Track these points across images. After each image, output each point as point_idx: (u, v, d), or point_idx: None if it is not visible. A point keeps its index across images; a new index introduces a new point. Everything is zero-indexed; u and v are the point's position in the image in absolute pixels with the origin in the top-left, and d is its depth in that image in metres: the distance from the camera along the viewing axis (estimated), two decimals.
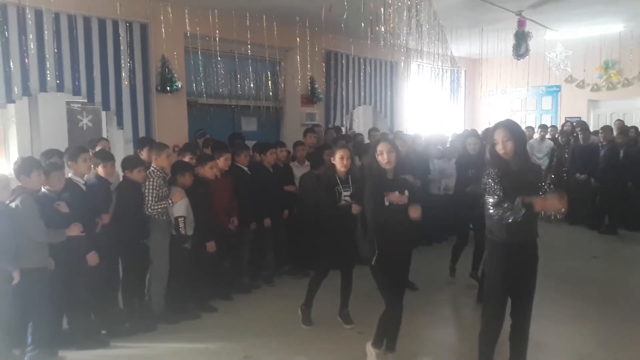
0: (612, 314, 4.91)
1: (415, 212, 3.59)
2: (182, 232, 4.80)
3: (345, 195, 4.51)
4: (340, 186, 4.51)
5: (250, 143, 6.36)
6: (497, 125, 3.37)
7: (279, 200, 5.94)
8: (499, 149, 3.28)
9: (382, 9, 5.85)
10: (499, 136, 3.28)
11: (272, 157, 5.93)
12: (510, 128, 3.30)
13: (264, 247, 5.98)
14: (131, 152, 5.84)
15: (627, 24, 8.39)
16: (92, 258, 4.21)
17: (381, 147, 3.75)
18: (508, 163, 3.28)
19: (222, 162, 5.35)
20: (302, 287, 4.87)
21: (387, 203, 3.63)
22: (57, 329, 4.27)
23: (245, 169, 5.72)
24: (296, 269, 6.14)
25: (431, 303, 5.34)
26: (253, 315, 4.98)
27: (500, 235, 3.29)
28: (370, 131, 8.34)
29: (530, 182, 3.28)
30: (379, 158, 3.73)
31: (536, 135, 9.71)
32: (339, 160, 4.48)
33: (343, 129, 8.93)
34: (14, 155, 5.78)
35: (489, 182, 3.28)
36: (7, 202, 3.82)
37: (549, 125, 10.41)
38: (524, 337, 3.42)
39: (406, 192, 3.70)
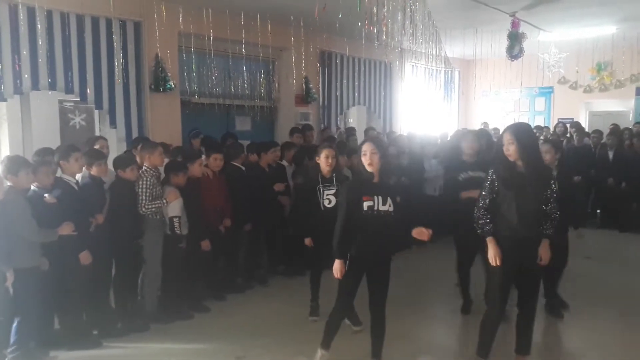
0: (605, 314, 4.93)
1: (421, 234, 3.53)
2: (178, 232, 4.78)
3: (328, 194, 4.57)
4: (321, 185, 4.59)
5: (244, 143, 6.34)
6: (506, 128, 3.63)
7: (275, 200, 5.92)
8: (505, 150, 3.50)
9: (375, 9, 5.84)
10: (505, 139, 3.51)
11: (271, 157, 5.93)
12: (515, 132, 3.49)
13: (258, 248, 5.96)
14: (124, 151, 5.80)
15: (620, 26, 8.44)
16: (85, 257, 4.18)
17: (365, 148, 3.55)
18: (515, 164, 3.49)
19: (212, 161, 5.33)
20: (296, 288, 4.86)
21: (365, 208, 3.47)
22: (49, 329, 4.24)
23: (243, 168, 5.70)
24: (290, 270, 6.12)
25: (426, 303, 5.35)
26: (247, 316, 4.96)
27: (502, 231, 3.49)
28: (367, 130, 8.34)
29: (536, 185, 3.45)
30: (362, 159, 3.55)
31: None
32: (324, 159, 4.57)
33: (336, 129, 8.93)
34: (6, 154, 5.73)
35: (487, 184, 3.55)
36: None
37: (542, 126, 10.49)
38: (530, 325, 3.64)
39: (389, 200, 3.51)
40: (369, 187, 3.53)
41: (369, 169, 3.54)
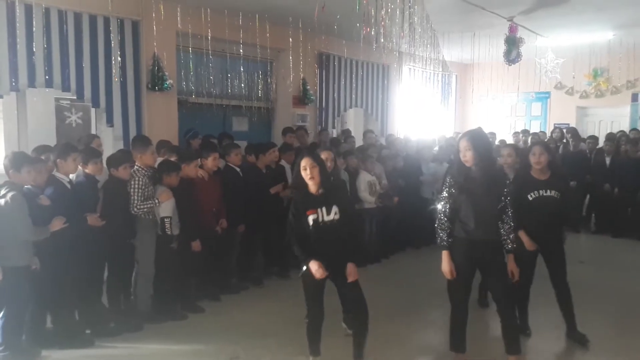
0: (599, 319, 4.94)
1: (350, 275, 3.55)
2: (168, 232, 4.76)
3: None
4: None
5: (241, 143, 6.33)
6: (463, 135, 3.70)
7: (271, 202, 5.91)
8: (462, 156, 3.58)
9: (374, 11, 5.86)
10: (462, 145, 3.58)
11: (269, 158, 5.93)
12: (473, 138, 3.57)
13: (253, 248, 5.95)
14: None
15: (617, 32, 8.48)
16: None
17: (304, 163, 3.57)
18: (470, 170, 3.56)
19: (211, 162, 5.32)
20: (291, 289, 4.83)
21: (310, 222, 3.52)
22: (41, 328, 4.21)
23: (238, 169, 5.69)
24: (285, 271, 6.11)
25: (422, 307, 5.34)
26: (241, 317, 4.95)
27: (459, 234, 3.61)
28: (365, 133, 8.36)
29: (491, 189, 3.54)
30: (303, 174, 3.58)
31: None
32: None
33: (333, 131, 8.94)
34: (0, 150, 5.71)
35: (444, 192, 3.65)
36: None
37: (537, 130, 10.54)
38: (510, 326, 3.67)
39: (335, 208, 3.56)
40: (312, 201, 3.58)
41: (310, 182, 3.59)
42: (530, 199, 4.14)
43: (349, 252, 3.62)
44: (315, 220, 3.53)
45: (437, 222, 3.70)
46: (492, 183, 3.56)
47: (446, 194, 3.66)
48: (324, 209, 3.56)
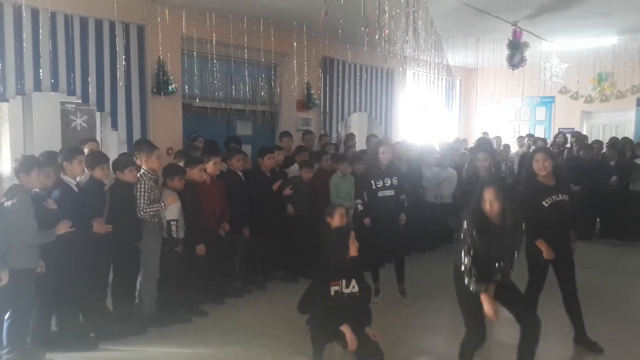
0: (604, 324, 4.90)
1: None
2: (175, 235, 4.78)
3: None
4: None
5: (245, 147, 6.34)
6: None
7: (275, 205, 5.93)
8: (488, 208, 3.35)
9: (378, 15, 5.86)
10: (488, 195, 3.34)
11: (268, 162, 5.93)
12: (499, 190, 3.37)
13: (257, 252, 5.96)
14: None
15: (621, 37, 8.47)
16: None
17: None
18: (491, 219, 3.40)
19: (212, 166, 5.33)
20: (294, 293, 4.81)
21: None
22: (46, 331, 4.22)
23: (240, 174, 5.69)
24: (288, 274, 6.12)
25: (424, 312, 5.33)
26: (244, 320, 4.95)
27: (480, 252, 3.33)
28: (368, 137, 8.36)
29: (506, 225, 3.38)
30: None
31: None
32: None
33: (337, 135, 8.94)
34: (6, 154, 5.74)
35: (466, 240, 3.36)
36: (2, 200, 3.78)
37: (541, 135, 10.54)
38: (534, 339, 3.46)
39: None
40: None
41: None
42: (546, 205, 4.05)
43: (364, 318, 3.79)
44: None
45: (465, 270, 3.37)
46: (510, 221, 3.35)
47: (469, 239, 3.36)
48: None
